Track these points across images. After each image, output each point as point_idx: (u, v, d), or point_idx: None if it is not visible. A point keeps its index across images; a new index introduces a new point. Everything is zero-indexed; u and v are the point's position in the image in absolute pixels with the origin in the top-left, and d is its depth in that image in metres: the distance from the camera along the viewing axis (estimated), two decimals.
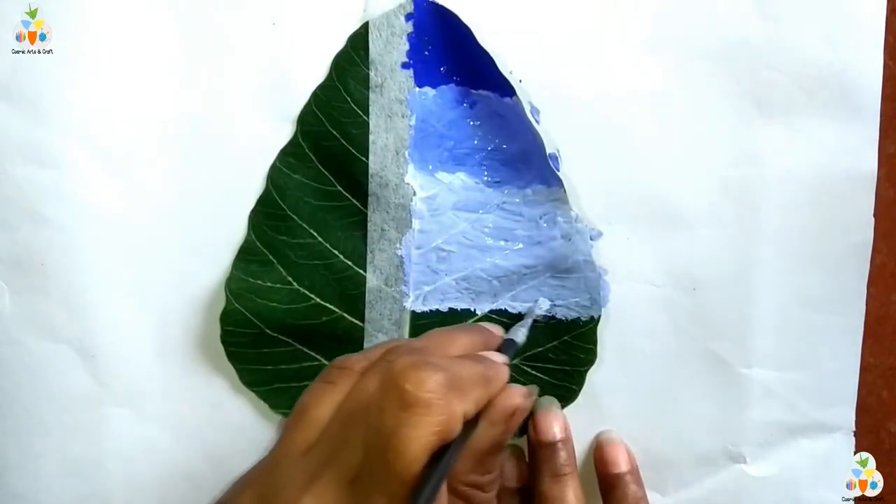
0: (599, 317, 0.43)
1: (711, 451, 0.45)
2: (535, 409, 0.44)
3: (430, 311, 0.44)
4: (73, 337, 0.45)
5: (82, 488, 0.46)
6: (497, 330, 0.42)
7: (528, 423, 0.43)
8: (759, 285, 0.44)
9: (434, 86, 0.42)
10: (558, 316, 0.44)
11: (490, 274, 0.43)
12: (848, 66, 0.42)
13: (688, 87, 0.42)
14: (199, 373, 0.45)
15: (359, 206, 0.43)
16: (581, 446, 0.45)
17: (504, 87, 0.42)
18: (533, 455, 0.43)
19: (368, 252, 0.43)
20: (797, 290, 0.44)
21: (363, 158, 0.42)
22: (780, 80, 0.42)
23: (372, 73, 0.42)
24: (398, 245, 0.43)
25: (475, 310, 0.44)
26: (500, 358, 0.38)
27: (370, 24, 0.42)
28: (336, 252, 0.43)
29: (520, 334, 0.42)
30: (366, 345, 0.44)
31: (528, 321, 0.43)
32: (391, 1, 0.42)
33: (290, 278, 0.43)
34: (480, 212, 0.43)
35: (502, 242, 0.43)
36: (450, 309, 0.44)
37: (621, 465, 0.44)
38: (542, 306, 0.44)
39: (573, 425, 0.45)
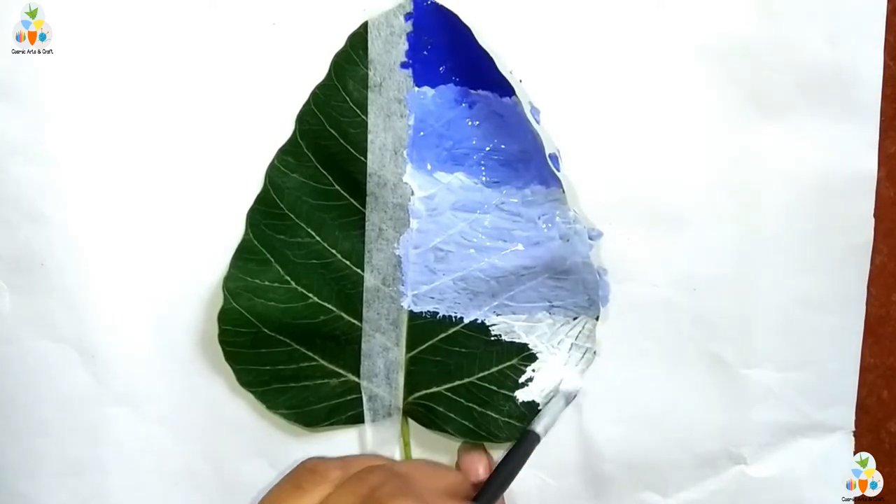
0: (598, 317, 0.43)
1: (712, 452, 0.45)
2: (460, 450, 0.44)
3: (428, 311, 0.44)
4: (72, 336, 0.45)
5: (82, 488, 0.46)
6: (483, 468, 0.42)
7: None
8: (760, 285, 0.44)
9: (433, 85, 0.42)
10: (556, 316, 0.44)
11: (488, 274, 0.43)
12: (848, 66, 0.42)
13: (688, 87, 0.42)
14: (198, 372, 0.45)
15: (357, 205, 0.43)
16: (581, 446, 0.45)
17: (503, 87, 0.42)
18: None
19: (366, 251, 0.43)
20: (797, 290, 0.44)
21: (361, 158, 0.42)
22: (780, 80, 0.42)
23: (371, 73, 0.42)
24: (396, 244, 0.43)
25: (470, 314, 0.44)
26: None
27: (369, 24, 0.42)
28: (334, 251, 0.43)
29: (541, 426, 0.42)
30: (364, 345, 0.44)
31: (553, 413, 0.43)
32: (391, 0, 0.42)
33: (287, 277, 0.43)
34: (479, 212, 0.43)
35: (500, 243, 0.43)
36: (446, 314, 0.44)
37: (480, 473, 0.43)
38: (561, 400, 0.44)
39: (573, 425, 0.45)
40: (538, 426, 0.43)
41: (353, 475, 0.33)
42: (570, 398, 0.44)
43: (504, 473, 0.42)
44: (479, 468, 0.42)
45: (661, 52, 0.42)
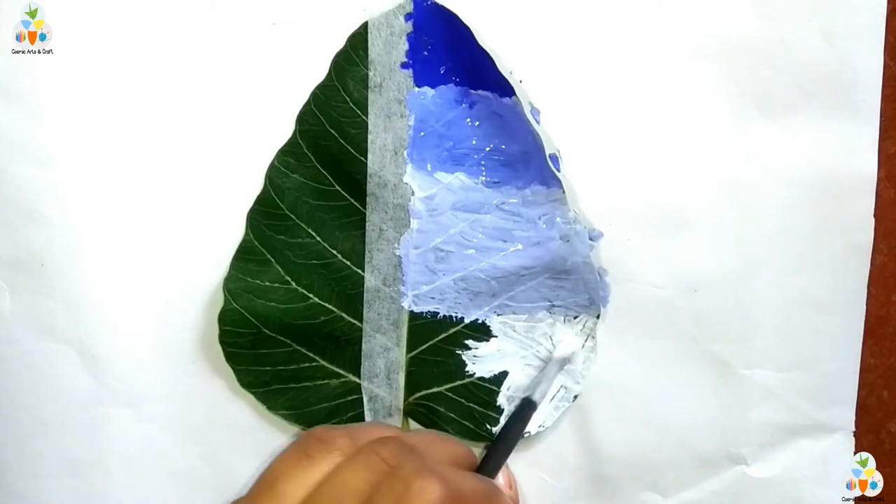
0: (599, 316, 0.43)
1: (712, 453, 0.45)
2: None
3: (428, 311, 0.44)
4: (73, 337, 0.45)
5: (82, 488, 0.46)
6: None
7: None
8: (760, 286, 0.44)
9: (433, 86, 0.42)
10: (557, 316, 0.44)
11: (488, 274, 0.43)
12: (848, 66, 0.42)
13: (688, 87, 0.42)
14: (199, 373, 0.45)
15: (357, 205, 0.43)
16: (581, 446, 0.45)
17: (504, 88, 0.42)
18: None
19: (367, 252, 0.43)
20: (797, 290, 0.44)
21: (362, 158, 0.42)
22: (780, 80, 0.42)
23: (371, 73, 0.42)
24: (396, 245, 0.43)
25: (471, 314, 0.44)
26: (506, 488, 0.38)
27: (369, 24, 0.42)
28: (334, 252, 0.43)
29: (538, 393, 0.42)
30: (364, 345, 0.44)
31: (549, 378, 0.43)
32: (391, 1, 0.42)
33: (288, 278, 0.43)
34: (479, 212, 0.43)
35: (501, 243, 0.43)
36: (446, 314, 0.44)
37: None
38: (555, 366, 0.44)
39: (573, 425, 0.45)
40: (535, 393, 0.43)
41: (364, 446, 0.33)
42: (564, 363, 0.44)
43: (505, 442, 0.42)
44: (499, 483, 0.42)
45: (661, 53, 0.42)
